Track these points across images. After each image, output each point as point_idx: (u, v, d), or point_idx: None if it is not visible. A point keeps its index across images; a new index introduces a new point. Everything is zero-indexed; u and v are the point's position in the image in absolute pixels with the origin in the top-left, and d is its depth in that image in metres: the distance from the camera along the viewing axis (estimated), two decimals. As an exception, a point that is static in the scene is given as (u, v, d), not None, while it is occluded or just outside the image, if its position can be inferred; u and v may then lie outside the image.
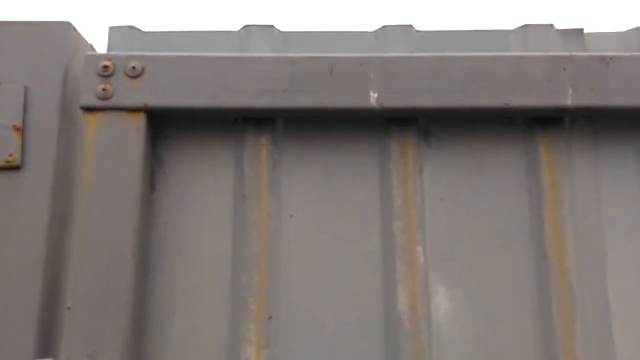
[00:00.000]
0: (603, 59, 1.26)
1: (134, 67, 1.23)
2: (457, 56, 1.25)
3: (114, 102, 1.22)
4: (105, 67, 1.23)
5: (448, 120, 1.31)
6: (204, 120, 1.30)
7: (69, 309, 1.12)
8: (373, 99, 1.24)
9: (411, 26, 1.43)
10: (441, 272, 1.25)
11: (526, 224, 1.27)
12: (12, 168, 1.18)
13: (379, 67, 1.25)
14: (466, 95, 1.24)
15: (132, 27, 1.45)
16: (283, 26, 1.45)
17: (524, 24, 1.44)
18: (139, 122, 1.22)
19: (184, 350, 1.19)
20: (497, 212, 1.27)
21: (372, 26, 1.47)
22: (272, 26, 1.44)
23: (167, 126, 1.31)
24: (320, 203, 1.28)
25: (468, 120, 1.31)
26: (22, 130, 1.19)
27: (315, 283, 1.24)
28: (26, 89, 1.22)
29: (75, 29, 1.31)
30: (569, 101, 1.24)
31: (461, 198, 1.28)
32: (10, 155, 1.18)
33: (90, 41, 1.39)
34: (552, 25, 1.46)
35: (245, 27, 1.45)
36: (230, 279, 1.23)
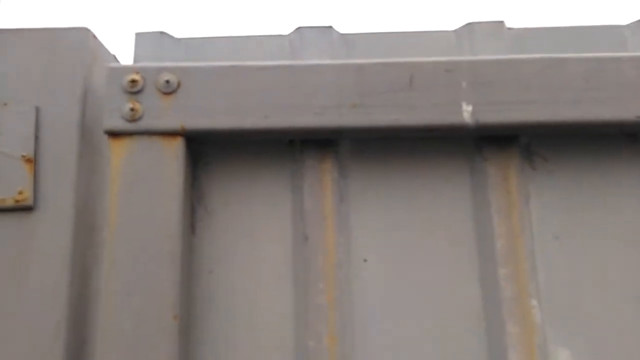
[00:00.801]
0: None
1: (167, 81, 1.00)
2: (571, 57, 0.99)
3: (144, 124, 0.99)
4: (133, 81, 1.00)
5: (556, 137, 1.06)
6: (254, 143, 1.06)
7: (95, 389, 0.89)
8: (466, 113, 0.98)
9: (502, 22, 1.17)
10: (562, 333, 0.98)
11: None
12: (22, 209, 0.96)
13: (472, 73, 0.99)
14: (585, 106, 0.98)
15: (162, 33, 1.22)
16: (341, 27, 1.21)
17: (638, 17, 1.18)
18: (176, 148, 0.99)
19: None
20: (627, 252, 1.01)
21: (438, 25, 1.23)
22: (331, 27, 1.19)
23: (208, 152, 1.07)
24: (401, 243, 1.02)
25: (581, 136, 1.06)
26: (33, 161, 0.97)
27: (400, 348, 0.99)
28: (37, 110, 1.00)
29: (94, 36, 1.08)
30: None
31: (579, 235, 1.02)
32: (20, 193, 0.95)
33: (112, 50, 1.17)
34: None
35: (297, 29, 1.20)
36: (293, 344, 0.97)
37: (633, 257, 1.00)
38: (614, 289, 0.99)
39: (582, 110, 0.98)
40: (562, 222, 1.03)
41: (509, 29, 1.17)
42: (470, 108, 0.97)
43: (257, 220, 1.04)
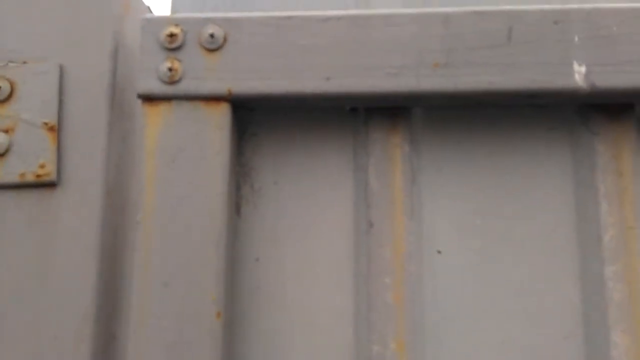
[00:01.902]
0: None
1: (212, 35, 0.84)
2: None
3: (184, 86, 0.83)
4: (171, 35, 0.85)
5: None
6: (310, 111, 0.89)
7: (128, 391, 0.78)
8: (578, 75, 0.80)
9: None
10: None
11: None
12: (44, 184, 0.82)
13: (586, 25, 0.80)
14: None
15: (203, -20, 1.06)
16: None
17: None
18: (221, 116, 0.84)
19: None
20: None
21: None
22: (403, -30, 1.02)
23: (256, 121, 0.91)
24: (483, 233, 0.86)
25: None
26: (56, 129, 0.84)
27: (480, 356, 0.84)
28: (61, 69, 0.86)
29: (126, -17, 0.93)
30: None
31: None
32: (42, 167, 0.82)
33: (146, 1, 1.02)
34: None
35: (363, -27, 1.03)
36: (354, 348, 0.83)
37: None
38: None
39: None
40: (686, 212, 0.85)
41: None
42: (583, 69, 0.78)
43: (312, 202, 0.88)
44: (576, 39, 0.79)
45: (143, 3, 0.99)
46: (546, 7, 0.81)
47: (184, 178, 0.82)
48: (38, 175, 0.82)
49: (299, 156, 0.91)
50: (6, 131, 0.83)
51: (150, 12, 1.01)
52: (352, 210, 0.88)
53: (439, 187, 0.88)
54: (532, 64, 0.80)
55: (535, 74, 0.79)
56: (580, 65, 0.79)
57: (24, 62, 0.86)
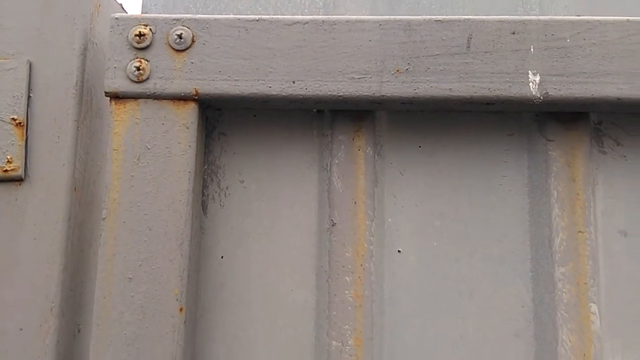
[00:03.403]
0: None
1: (179, 36, 0.86)
2: (665, 19, 0.83)
3: (151, 86, 0.85)
4: (140, 35, 0.86)
5: (633, 116, 0.90)
6: (277, 113, 0.92)
7: (90, 383, 0.79)
8: (533, 85, 0.82)
9: (577, -23, 1.00)
10: (624, 343, 0.86)
11: None
12: (11, 180, 0.83)
13: (542, 36, 0.83)
14: (678, 80, 0.82)
15: (175, -20, 1.07)
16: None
17: None
18: (188, 115, 0.85)
19: None
20: None
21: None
22: (370, -23, 1.04)
23: (224, 121, 0.93)
24: (441, 234, 0.89)
25: (664, 116, 0.90)
26: (24, 125, 0.85)
27: (435, 353, 0.87)
28: (30, 66, 0.87)
29: (98, -18, 0.94)
30: None
31: (653, 233, 0.88)
32: (9, 162, 0.83)
33: (119, -1, 1.03)
34: None
35: (331, -22, 1.05)
36: (314, 343, 0.86)
37: None
38: (692, 298, 0.85)
39: (672, 86, 0.82)
40: (632, 216, 0.88)
41: (585, -15, 1.00)
42: (537, 78, 0.82)
43: (277, 201, 0.91)
44: (532, 49, 0.82)
45: (115, 1, 1.00)
46: (505, 17, 0.84)
47: (150, 176, 0.84)
48: (5, 170, 0.83)
49: (265, 156, 0.93)
50: (-27, 126, 0.84)
51: (123, 9, 1.02)
52: (315, 210, 0.90)
53: (400, 189, 0.91)
54: (489, 72, 0.83)
55: (492, 82, 0.82)
56: (535, 74, 0.82)
57: (-7, 58, 0.87)
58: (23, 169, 0.83)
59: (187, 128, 0.85)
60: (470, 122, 0.91)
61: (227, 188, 0.93)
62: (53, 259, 0.82)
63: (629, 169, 0.90)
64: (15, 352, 0.80)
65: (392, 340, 0.87)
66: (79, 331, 0.86)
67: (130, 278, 0.81)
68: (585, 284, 0.84)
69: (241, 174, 0.93)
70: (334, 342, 0.85)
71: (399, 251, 0.90)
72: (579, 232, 0.86)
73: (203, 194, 0.92)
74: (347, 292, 0.86)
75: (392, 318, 0.88)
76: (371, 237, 0.88)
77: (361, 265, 0.87)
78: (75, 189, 0.85)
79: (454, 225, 0.90)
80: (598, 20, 0.83)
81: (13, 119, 0.84)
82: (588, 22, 0.83)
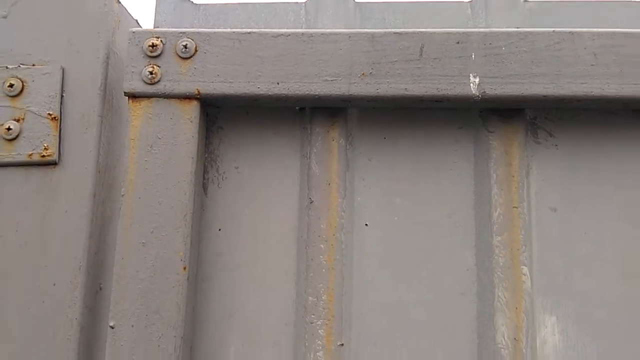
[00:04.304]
0: None
1: (185, 46, 1.05)
2: (583, 32, 0.99)
3: (162, 87, 1.04)
4: (153, 45, 1.05)
5: (564, 112, 1.07)
6: (266, 110, 1.10)
7: (111, 327, 0.97)
8: (473, 85, 1.00)
9: (517, -5, 1.18)
10: (551, 301, 1.02)
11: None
12: (47, 164, 1.03)
13: (482, 45, 1.01)
14: (595, 81, 0.99)
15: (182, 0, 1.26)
16: (356, -4, 1.23)
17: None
18: (191, 111, 1.04)
19: (241, 382, 1.03)
20: (624, 228, 1.03)
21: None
22: (346, -4, 1.22)
23: (222, 117, 1.12)
24: (402, 210, 1.07)
25: (589, 112, 1.07)
26: (59, 119, 1.04)
27: (395, 307, 1.04)
28: (63, 71, 1.06)
29: (118, 1, 1.13)
30: None
31: (578, 208, 1.04)
32: (46, 149, 1.03)
33: (135, 15, 1.21)
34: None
35: (313, -3, 1.23)
36: (294, 300, 1.04)
37: (629, 234, 1.02)
38: (606, 263, 1.01)
39: (589, 86, 0.99)
40: (561, 195, 1.05)
41: (525, 1, 1.17)
42: (477, 80, 0.99)
43: (265, 183, 1.09)
44: (473, 56, 1.00)
45: (132, 17, 1.19)
46: (451, 29, 1.02)
47: (160, 161, 1.02)
48: (42, 156, 1.01)
49: (256, 146, 1.11)
50: (18, 120, 1.03)
51: (138, 24, 1.21)
52: (297, 190, 1.08)
53: (368, 173, 1.09)
54: (438, 75, 1.00)
55: (440, 83, 1.00)
56: (475, 77, 0.99)
57: (33, 65, 1.06)
58: (57, 155, 1.02)
59: (191, 122, 1.04)
60: (426, 117, 1.09)
61: (224, 173, 1.11)
62: (80, 228, 1.00)
63: (560, 156, 1.07)
64: (50, 303, 0.98)
65: (359, 298, 1.04)
66: (100, 289, 1.04)
67: (143, 243, 0.99)
68: (518, 250, 1.01)
69: (236, 161, 1.11)
70: (310, 298, 1.03)
71: (366, 225, 1.07)
72: (514, 207, 1.03)
73: (204, 178, 1.10)
74: (321, 257, 1.04)
75: (359, 280, 1.05)
76: (342, 213, 1.06)
77: (334, 235, 1.05)
78: (99, 171, 1.04)
79: (411, 203, 1.07)
80: (528, 32, 1.01)
81: (49, 114, 1.03)
82: (520, 32, 1.01)
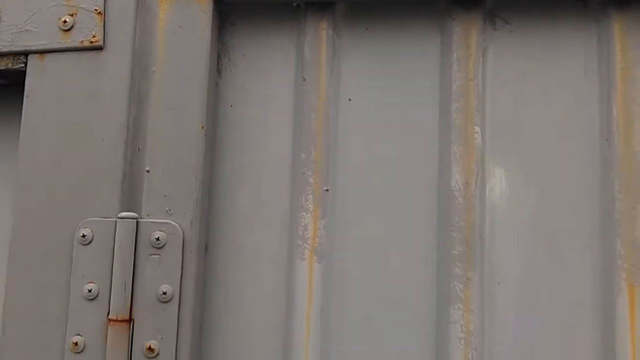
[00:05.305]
0: None
1: (201, -49, 1.29)
2: None
3: (183, -14, 1.29)
4: (175, -48, 1.30)
5: (519, 3, 1.26)
6: (268, 7, 1.34)
7: (147, 171, 1.24)
8: (430, -23, 1.21)
9: None
10: (499, 154, 1.24)
11: (593, 107, 1.22)
12: (95, 48, 1.30)
13: (443, -58, 1.21)
14: (536, -30, 1.18)
15: None
16: None
17: None
18: (206, 5, 1.28)
19: (249, 216, 1.29)
20: (566, 95, 1.23)
21: None
22: None
23: (232, 13, 1.36)
24: (379, 88, 1.30)
25: (542, 2, 1.25)
26: (103, 13, 1.30)
27: (370, 160, 1.28)
28: (106, -24, 1.32)
29: None
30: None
31: (526, 82, 1.25)
32: (94, 36, 1.29)
33: None
34: None
35: None
36: (291, 156, 1.29)
37: (570, 101, 1.22)
38: (549, 124, 1.22)
39: (533, -25, 1.18)
40: (513, 71, 1.25)
41: None
42: (439, -26, 1.20)
43: (269, 67, 1.34)
44: (435, -49, 1.19)
45: None
46: None
47: (182, 45, 1.27)
48: (91, 42, 1.28)
49: (261, 37, 1.35)
50: (72, 15, 1.29)
51: (164, -59, 1.45)
52: (293, 71, 1.32)
53: (352, 57, 1.32)
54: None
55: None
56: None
57: (82, -29, 1.32)
58: (102, 41, 1.28)
59: (206, 13, 1.28)
60: (402, 10, 1.30)
61: (235, 60, 1.36)
62: (123, 100, 1.27)
63: (514, 39, 1.27)
64: (101, 151, 1.26)
65: (343, 154, 1.28)
66: (139, 149, 1.31)
67: (170, 107, 1.25)
68: (471, 113, 1.22)
69: (244, 50, 1.35)
70: (302, 154, 1.27)
71: (349, 99, 1.31)
72: (470, 80, 1.24)
73: (218, 64, 1.35)
74: (312, 122, 1.28)
75: (343, 144, 1.29)
76: (329, 89, 1.30)
77: (323, 106, 1.29)
78: (135, 55, 1.30)
79: (387, 82, 1.30)
80: None
81: (95, 9, 1.29)
82: None
